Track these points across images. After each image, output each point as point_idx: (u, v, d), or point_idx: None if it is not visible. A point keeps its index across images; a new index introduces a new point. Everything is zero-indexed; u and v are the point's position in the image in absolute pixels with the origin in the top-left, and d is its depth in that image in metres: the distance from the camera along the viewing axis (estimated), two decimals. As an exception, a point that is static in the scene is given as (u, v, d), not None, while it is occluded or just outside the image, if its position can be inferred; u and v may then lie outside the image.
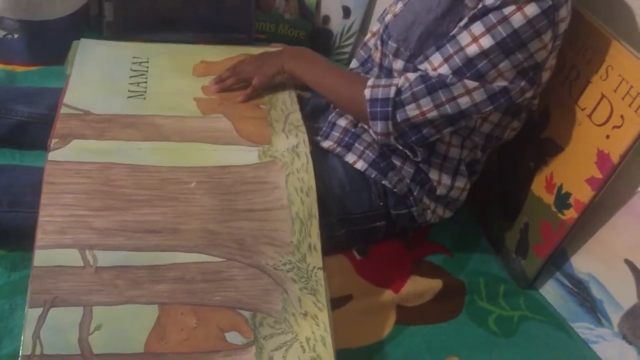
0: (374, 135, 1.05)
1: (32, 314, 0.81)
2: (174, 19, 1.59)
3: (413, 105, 0.99)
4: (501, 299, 1.17)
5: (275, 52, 1.23)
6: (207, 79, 1.19)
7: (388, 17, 1.13)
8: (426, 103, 0.98)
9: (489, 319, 1.12)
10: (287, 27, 1.69)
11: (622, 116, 1.01)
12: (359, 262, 1.12)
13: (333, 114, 1.18)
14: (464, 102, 0.98)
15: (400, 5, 1.13)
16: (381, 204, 1.11)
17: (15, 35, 1.38)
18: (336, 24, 1.67)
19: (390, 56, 1.09)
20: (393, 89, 1.00)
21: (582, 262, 1.13)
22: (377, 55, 1.16)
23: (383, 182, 1.10)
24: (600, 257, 1.10)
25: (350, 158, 1.12)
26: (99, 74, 1.15)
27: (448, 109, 0.98)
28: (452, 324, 1.09)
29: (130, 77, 1.15)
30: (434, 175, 1.11)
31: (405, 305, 1.09)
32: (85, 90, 1.09)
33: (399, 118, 1.00)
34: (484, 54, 0.95)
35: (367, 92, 1.02)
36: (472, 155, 1.13)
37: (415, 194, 1.12)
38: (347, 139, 1.13)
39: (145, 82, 1.14)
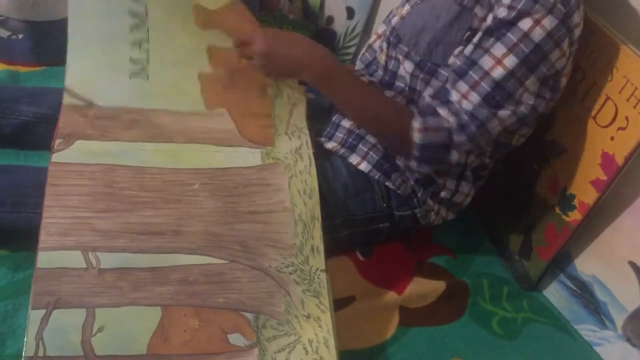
0: (412, 165, 1.05)
1: (35, 315, 0.81)
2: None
3: (457, 150, 1.01)
4: (505, 300, 1.17)
5: (298, 53, 1.04)
6: (210, 35, 1.10)
7: (395, 20, 1.13)
8: (467, 144, 1.01)
9: (492, 320, 1.12)
10: (291, 28, 1.69)
11: (627, 118, 1.01)
12: (362, 263, 1.12)
13: (337, 114, 1.18)
14: (497, 129, 1.01)
15: (407, 7, 1.13)
16: (384, 205, 1.11)
17: (20, 36, 1.38)
18: (340, 24, 1.67)
19: (400, 58, 1.09)
20: (445, 136, 1.00)
21: (585, 264, 1.13)
22: (382, 58, 1.15)
23: (386, 183, 1.10)
24: (604, 259, 1.10)
25: (354, 159, 1.11)
26: (96, 31, 1.08)
27: (482, 141, 1.02)
28: (455, 326, 1.09)
29: (131, 31, 1.07)
30: (438, 179, 1.11)
31: (409, 307, 1.09)
32: (86, 62, 1.05)
33: (444, 159, 1.02)
34: (510, 74, 0.96)
35: (419, 137, 1.00)
36: (478, 161, 1.13)
37: (419, 195, 1.11)
38: (351, 140, 1.13)
39: (147, 41, 1.07)
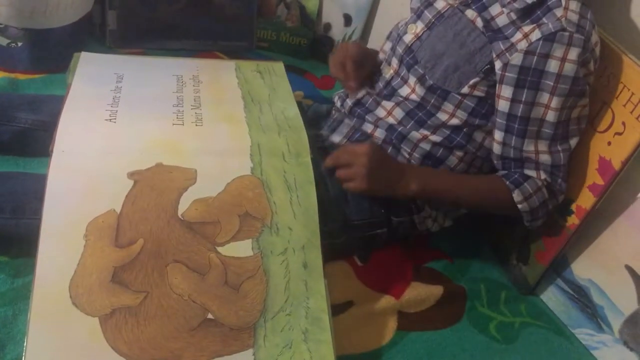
0: (528, 226, 1.11)
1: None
2: (176, 27, 1.60)
3: (563, 194, 1.08)
4: (502, 305, 1.17)
5: (390, 163, 1.08)
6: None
7: (409, 38, 1.12)
8: (565, 184, 1.08)
9: (490, 325, 1.12)
10: (289, 35, 1.69)
11: (623, 123, 1.02)
12: (360, 268, 1.12)
13: (337, 113, 1.18)
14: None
15: (421, 26, 1.12)
16: (382, 211, 1.11)
17: (19, 44, 1.39)
18: (337, 31, 1.68)
19: (410, 79, 1.10)
20: (545, 191, 1.06)
21: (582, 269, 1.14)
22: (387, 72, 1.16)
23: None
24: (601, 264, 1.10)
25: None
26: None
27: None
28: (453, 330, 1.09)
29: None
30: None
31: (407, 312, 1.09)
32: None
33: (552, 207, 1.09)
34: (561, 109, 1.00)
35: (525, 206, 1.06)
36: (476, 170, 1.13)
37: (417, 202, 1.12)
38: (357, 136, 1.14)
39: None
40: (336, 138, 1.18)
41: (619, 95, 1.03)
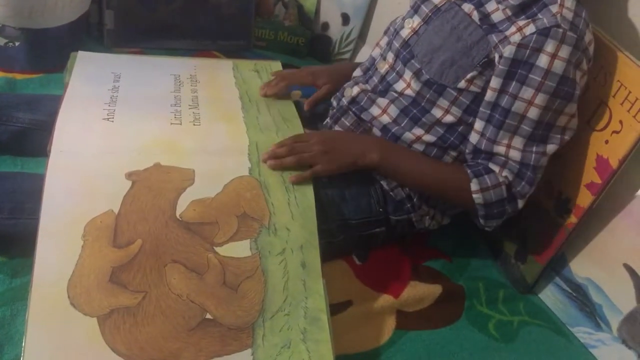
0: (478, 224, 1.10)
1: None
2: (174, 27, 1.60)
3: (523, 198, 1.06)
4: (501, 304, 1.17)
5: (345, 136, 1.13)
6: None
7: (406, 33, 1.12)
8: (529, 189, 1.06)
9: (488, 324, 1.12)
10: (287, 34, 1.69)
11: (620, 121, 1.02)
12: (359, 267, 1.12)
13: (335, 110, 1.18)
14: (546, 161, 1.05)
15: (418, 20, 1.12)
16: (380, 210, 1.11)
17: (16, 43, 1.38)
18: (335, 30, 1.68)
19: (406, 74, 1.10)
20: (504, 188, 1.05)
21: (581, 267, 1.14)
22: (383, 67, 1.16)
23: (382, 182, 1.11)
24: (599, 262, 1.10)
25: None
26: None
27: (539, 178, 1.06)
28: (451, 329, 1.09)
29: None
30: None
31: (405, 311, 1.09)
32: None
33: (510, 210, 1.07)
34: (545, 109, 0.99)
35: (480, 197, 1.05)
36: None
37: (414, 200, 1.12)
38: (359, 131, 1.14)
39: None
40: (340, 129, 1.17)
41: (616, 94, 1.03)
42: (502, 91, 1.01)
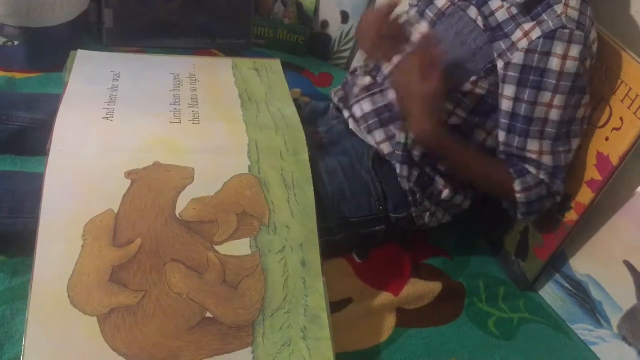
0: (518, 217, 1.10)
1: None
2: (173, 25, 1.59)
3: (560, 195, 1.07)
4: (501, 301, 1.17)
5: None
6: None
7: (414, 38, 1.11)
8: (563, 187, 1.06)
9: (489, 321, 1.12)
10: (286, 32, 1.69)
11: (621, 118, 1.02)
12: (359, 265, 1.12)
13: (355, 88, 1.18)
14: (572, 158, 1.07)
15: (424, 24, 1.11)
16: (380, 208, 1.11)
17: (16, 43, 1.38)
18: (335, 29, 1.68)
19: None
20: (544, 187, 1.05)
21: (581, 264, 1.14)
22: (387, 68, 1.15)
23: (381, 180, 1.11)
24: (600, 259, 1.10)
25: (378, 136, 1.13)
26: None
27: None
28: (452, 327, 1.09)
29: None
30: (439, 179, 1.12)
31: (405, 308, 1.09)
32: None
33: (548, 205, 1.08)
34: (564, 108, 0.99)
35: (523, 197, 1.05)
36: None
37: (417, 196, 1.12)
38: (378, 119, 1.14)
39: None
40: (358, 112, 1.16)
41: (617, 91, 1.03)
42: (518, 99, 1.00)
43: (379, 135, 1.13)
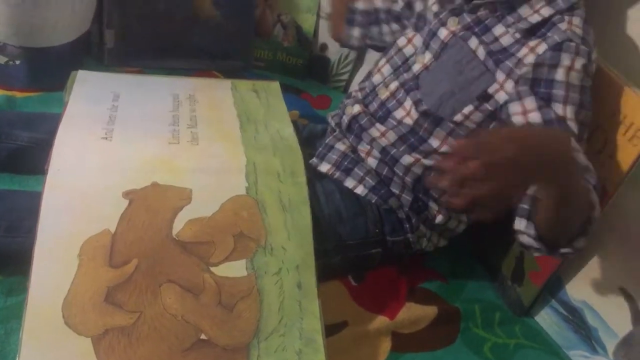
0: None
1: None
2: (174, 46, 1.60)
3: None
4: (497, 326, 1.17)
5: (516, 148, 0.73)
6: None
7: (417, 68, 1.11)
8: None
9: (484, 346, 1.12)
10: (285, 55, 1.71)
11: (616, 145, 1.02)
12: (355, 288, 1.12)
13: (331, 137, 1.19)
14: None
15: (429, 56, 1.11)
16: (377, 231, 1.11)
17: (17, 62, 1.39)
18: (333, 52, 1.69)
19: (407, 102, 1.10)
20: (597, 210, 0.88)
21: (576, 290, 1.14)
22: (384, 94, 1.15)
23: (384, 207, 1.11)
24: (595, 285, 1.10)
25: (349, 183, 1.12)
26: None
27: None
28: (447, 351, 1.09)
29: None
30: (433, 205, 1.12)
31: (401, 332, 1.09)
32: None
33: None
34: (576, 121, 0.96)
35: (598, 211, 0.88)
36: None
37: (413, 221, 1.12)
38: (346, 163, 1.14)
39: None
40: (324, 167, 1.16)
41: (612, 118, 1.03)
42: (542, 107, 0.97)
43: (350, 182, 1.13)
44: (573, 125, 0.96)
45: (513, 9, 1.03)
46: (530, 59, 0.99)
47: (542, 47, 0.99)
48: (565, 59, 0.97)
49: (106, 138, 1.07)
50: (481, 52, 1.04)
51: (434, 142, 1.08)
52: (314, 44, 1.71)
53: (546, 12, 1.01)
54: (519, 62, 1.00)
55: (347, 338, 1.03)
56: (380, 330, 1.07)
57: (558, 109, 0.97)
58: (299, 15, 1.66)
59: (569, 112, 0.97)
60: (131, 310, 0.87)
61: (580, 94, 0.98)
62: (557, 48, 0.97)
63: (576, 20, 1.00)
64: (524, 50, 1.01)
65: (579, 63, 0.97)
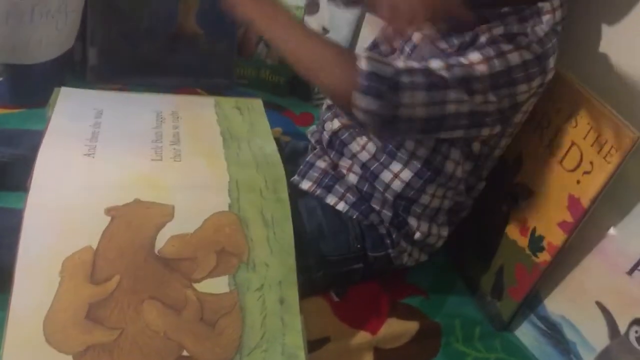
0: (355, 111, 0.91)
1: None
2: (157, 64, 1.61)
3: (409, 93, 0.90)
4: (477, 341, 1.18)
5: None
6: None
7: None
8: (421, 97, 0.91)
9: (465, 361, 1.13)
10: (269, 73, 1.72)
11: (591, 162, 1.05)
12: (337, 304, 1.13)
13: (311, 155, 1.20)
14: (450, 109, 0.93)
15: (402, 60, 1.12)
16: (359, 246, 1.12)
17: (0, 79, 1.39)
18: (316, 70, 1.71)
19: None
20: (392, 70, 0.90)
21: (555, 305, 1.15)
22: None
23: (365, 222, 1.12)
24: (573, 300, 1.12)
25: (330, 200, 1.13)
26: None
27: (436, 110, 0.93)
28: (428, 367, 1.10)
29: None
30: (412, 221, 1.13)
31: (383, 348, 1.09)
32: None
33: (390, 100, 0.90)
34: (479, 79, 0.94)
35: (365, 64, 0.89)
36: (452, 202, 1.15)
37: (393, 237, 1.13)
38: (327, 180, 1.15)
39: None
40: (305, 185, 1.17)
41: (587, 136, 1.06)
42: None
43: (331, 199, 1.14)
44: (472, 70, 0.93)
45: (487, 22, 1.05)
46: (485, 37, 0.98)
47: (498, 30, 0.98)
48: (516, 44, 0.95)
49: (89, 155, 1.07)
50: (445, 46, 1.05)
51: (410, 145, 1.08)
52: (297, 62, 1.72)
53: (517, 29, 0.99)
54: (477, 37, 0.99)
55: (330, 353, 1.04)
56: (363, 346, 1.08)
57: (474, 56, 0.94)
58: (282, 33, 1.68)
59: (479, 67, 0.93)
60: (113, 327, 0.87)
61: (502, 72, 0.94)
62: (510, 38, 0.96)
63: (542, 26, 0.99)
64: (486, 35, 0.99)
65: (525, 52, 0.95)
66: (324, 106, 1.21)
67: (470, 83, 0.94)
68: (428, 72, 0.92)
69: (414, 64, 0.94)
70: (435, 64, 0.94)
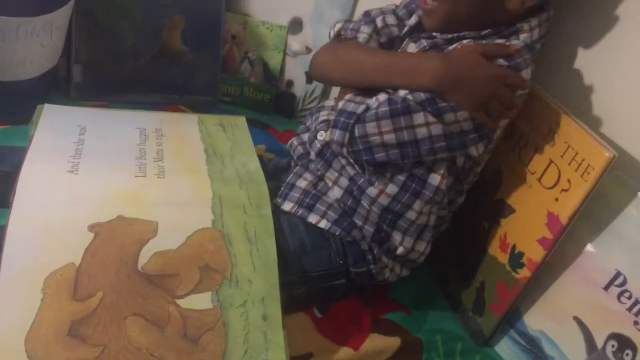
0: (331, 143, 1.09)
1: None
2: (141, 81, 1.62)
3: (373, 124, 1.02)
4: (458, 356, 1.19)
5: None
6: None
7: (383, 97, 1.11)
8: (386, 125, 1.01)
9: (446, 376, 1.14)
10: (252, 90, 1.73)
11: (569, 180, 1.07)
12: (319, 319, 1.13)
13: (291, 175, 1.21)
14: (421, 132, 1.01)
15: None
16: (341, 262, 1.13)
17: (-17, 95, 1.39)
18: (299, 88, 1.73)
19: None
20: (363, 107, 1.04)
21: (534, 320, 1.17)
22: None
23: (347, 239, 1.13)
24: (551, 315, 1.13)
25: (312, 218, 1.14)
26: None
27: (405, 135, 1.02)
28: (410, 382, 1.10)
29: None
30: (397, 235, 1.13)
31: (365, 364, 1.10)
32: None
33: (356, 132, 1.03)
34: None
35: (341, 104, 1.07)
36: (437, 217, 1.16)
37: (375, 252, 1.14)
38: (307, 200, 1.16)
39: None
40: (287, 206, 1.16)
41: (564, 154, 1.08)
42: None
43: (313, 217, 1.15)
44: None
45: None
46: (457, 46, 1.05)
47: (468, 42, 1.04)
48: None
49: (72, 171, 1.07)
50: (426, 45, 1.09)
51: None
52: (281, 80, 1.74)
53: None
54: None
55: (312, 369, 1.04)
56: (345, 362, 1.08)
57: None
58: (266, 52, 1.70)
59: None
60: (95, 344, 0.87)
61: None
62: None
63: (521, 37, 1.04)
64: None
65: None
66: (318, 118, 1.22)
67: (435, 103, 0.99)
68: (392, 100, 1.01)
69: (382, 96, 1.01)
70: (402, 91, 1.00)
